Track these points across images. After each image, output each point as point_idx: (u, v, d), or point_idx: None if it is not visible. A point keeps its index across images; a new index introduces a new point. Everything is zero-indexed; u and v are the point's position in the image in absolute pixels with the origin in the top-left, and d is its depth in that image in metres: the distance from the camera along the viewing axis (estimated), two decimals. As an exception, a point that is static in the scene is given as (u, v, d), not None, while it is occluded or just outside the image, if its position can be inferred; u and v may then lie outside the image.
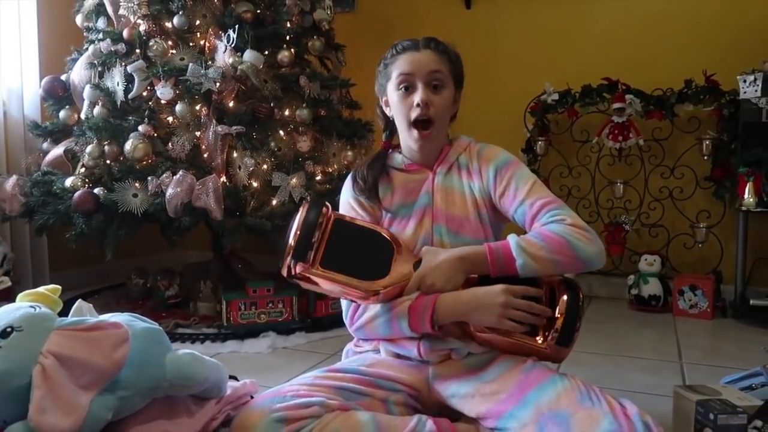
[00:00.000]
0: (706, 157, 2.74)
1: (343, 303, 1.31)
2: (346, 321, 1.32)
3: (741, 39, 2.75)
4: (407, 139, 1.34)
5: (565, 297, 1.18)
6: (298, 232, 1.19)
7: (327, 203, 1.26)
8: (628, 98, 2.78)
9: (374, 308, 1.25)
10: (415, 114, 1.28)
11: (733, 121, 2.68)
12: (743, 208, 2.55)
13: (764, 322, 2.44)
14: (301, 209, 1.23)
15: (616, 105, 2.78)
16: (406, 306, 1.20)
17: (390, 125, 1.39)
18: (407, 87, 1.29)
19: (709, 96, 2.70)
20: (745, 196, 2.53)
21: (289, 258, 1.18)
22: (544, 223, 1.23)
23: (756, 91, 2.53)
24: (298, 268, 1.18)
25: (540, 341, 1.18)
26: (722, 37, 2.79)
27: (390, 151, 1.41)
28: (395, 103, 1.32)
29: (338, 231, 1.23)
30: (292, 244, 1.18)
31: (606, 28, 3.00)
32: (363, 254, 1.22)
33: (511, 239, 1.21)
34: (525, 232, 1.27)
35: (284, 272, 1.20)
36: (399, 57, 1.30)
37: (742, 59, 2.65)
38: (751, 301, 2.54)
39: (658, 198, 2.92)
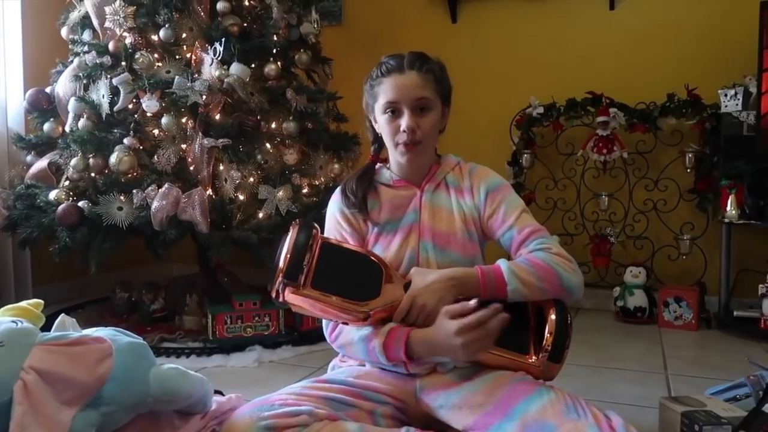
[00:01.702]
0: (689, 170, 2.78)
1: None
2: (327, 336, 1.33)
3: (722, 54, 2.79)
4: (395, 155, 1.35)
5: (553, 316, 1.20)
6: (288, 255, 1.17)
7: (316, 225, 1.25)
8: (612, 112, 2.81)
9: (351, 334, 1.25)
10: (402, 138, 1.29)
11: (715, 134, 2.72)
12: (726, 220, 2.58)
13: (748, 332, 2.46)
14: (290, 231, 1.22)
15: (601, 118, 2.82)
16: (380, 341, 1.20)
17: (378, 139, 1.40)
18: (393, 111, 1.30)
19: (691, 110, 2.74)
20: (728, 208, 2.57)
21: (279, 280, 1.17)
22: (531, 250, 1.26)
23: (737, 105, 2.57)
24: (288, 290, 1.17)
25: (532, 360, 1.19)
26: (704, 52, 2.84)
27: (378, 165, 1.42)
28: (382, 125, 1.33)
29: (327, 254, 1.21)
30: (282, 266, 1.17)
31: (590, 43, 3.04)
32: (353, 276, 1.22)
33: (503, 264, 1.23)
34: (509, 254, 1.29)
35: (273, 294, 1.19)
36: (384, 80, 1.30)
37: (723, 74, 2.70)
38: (735, 313, 2.56)
39: (642, 210, 2.95)
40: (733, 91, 2.58)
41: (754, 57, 2.50)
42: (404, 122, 1.27)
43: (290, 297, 1.18)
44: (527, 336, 1.22)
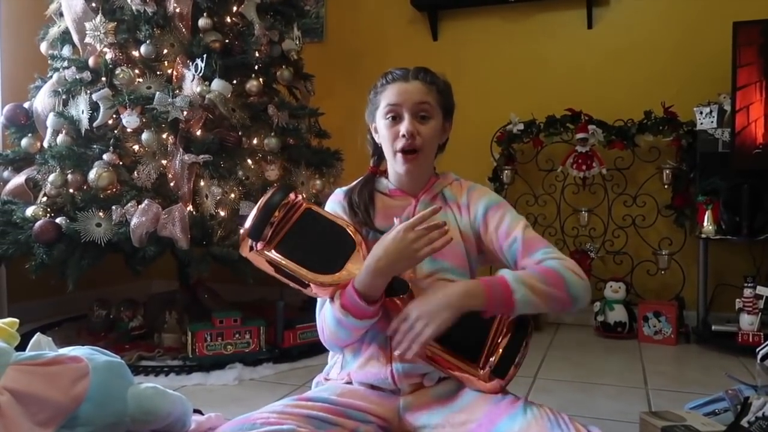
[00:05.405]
0: (666, 186, 2.82)
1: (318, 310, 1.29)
2: (321, 336, 1.30)
3: (697, 72, 2.85)
4: (394, 165, 1.34)
5: (510, 335, 1.19)
6: (256, 214, 1.20)
7: (296, 190, 1.27)
8: (591, 128, 2.85)
9: (324, 313, 1.24)
10: (400, 144, 1.29)
11: (691, 151, 2.77)
12: (703, 236, 2.62)
13: (726, 347, 2.48)
14: (268, 191, 1.25)
15: (580, 135, 2.86)
16: (338, 305, 1.18)
17: (378, 151, 1.40)
18: (394, 117, 1.30)
19: (667, 127, 2.79)
20: (705, 223, 2.61)
21: (243, 235, 1.19)
22: (538, 260, 1.22)
23: (712, 122, 2.63)
24: (249, 247, 1.19)
25: (480, 373, 1.18)
26: (679, 70, 2.90)
27: (377, 176, 1.41)
28: (382, 131, 1.33)
29: (305, 220, 1.23)
30: (249, 224, 1.19)
31: (569, 61, 3.08)
32: (321, 247, 1.22)
33: (506, 273, 1.18)
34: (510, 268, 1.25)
35: (241, 248, 1.21)
36: (388, 87, 1.32)
37: (698, 92, 2.76)
38: (713, 327, 2.59)
39: (621, 226, 2.98)
40: (708, 109, 2.64)
41: (727, 74, 2.56)
42: (404, 127, 1.28)
43: (250, 255, 1.19)
44: (482, 348, 1.20)
